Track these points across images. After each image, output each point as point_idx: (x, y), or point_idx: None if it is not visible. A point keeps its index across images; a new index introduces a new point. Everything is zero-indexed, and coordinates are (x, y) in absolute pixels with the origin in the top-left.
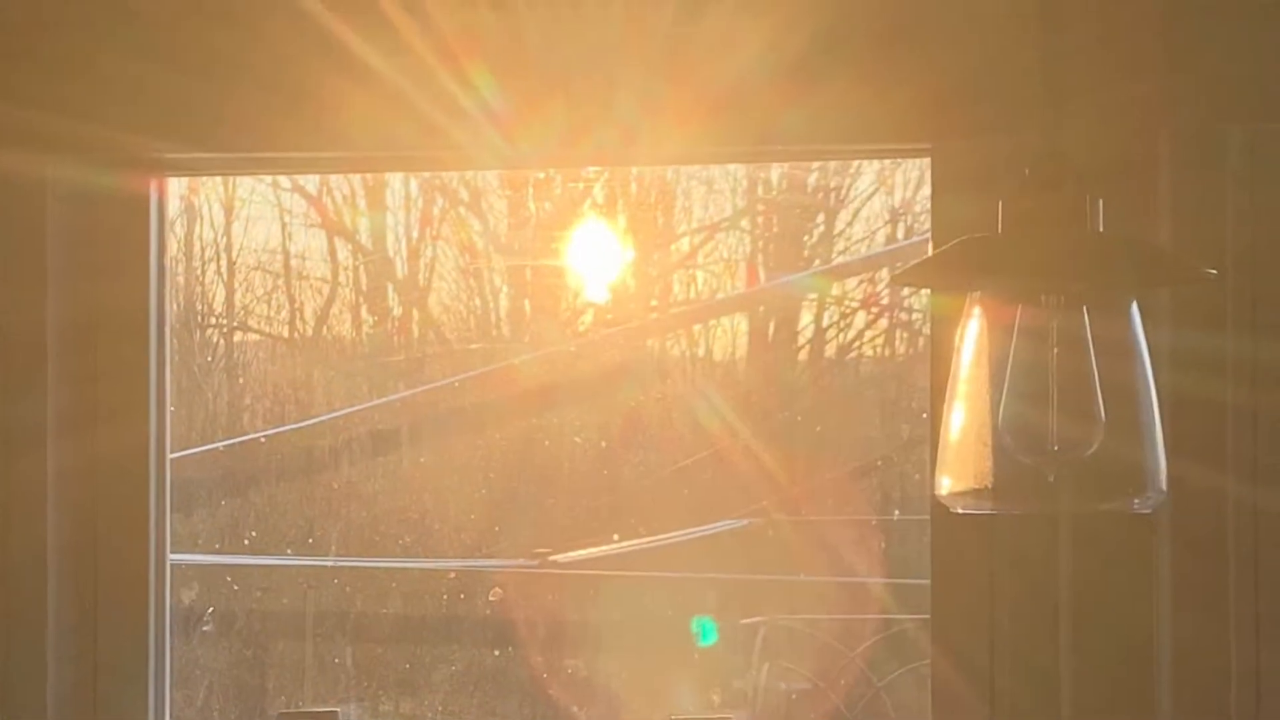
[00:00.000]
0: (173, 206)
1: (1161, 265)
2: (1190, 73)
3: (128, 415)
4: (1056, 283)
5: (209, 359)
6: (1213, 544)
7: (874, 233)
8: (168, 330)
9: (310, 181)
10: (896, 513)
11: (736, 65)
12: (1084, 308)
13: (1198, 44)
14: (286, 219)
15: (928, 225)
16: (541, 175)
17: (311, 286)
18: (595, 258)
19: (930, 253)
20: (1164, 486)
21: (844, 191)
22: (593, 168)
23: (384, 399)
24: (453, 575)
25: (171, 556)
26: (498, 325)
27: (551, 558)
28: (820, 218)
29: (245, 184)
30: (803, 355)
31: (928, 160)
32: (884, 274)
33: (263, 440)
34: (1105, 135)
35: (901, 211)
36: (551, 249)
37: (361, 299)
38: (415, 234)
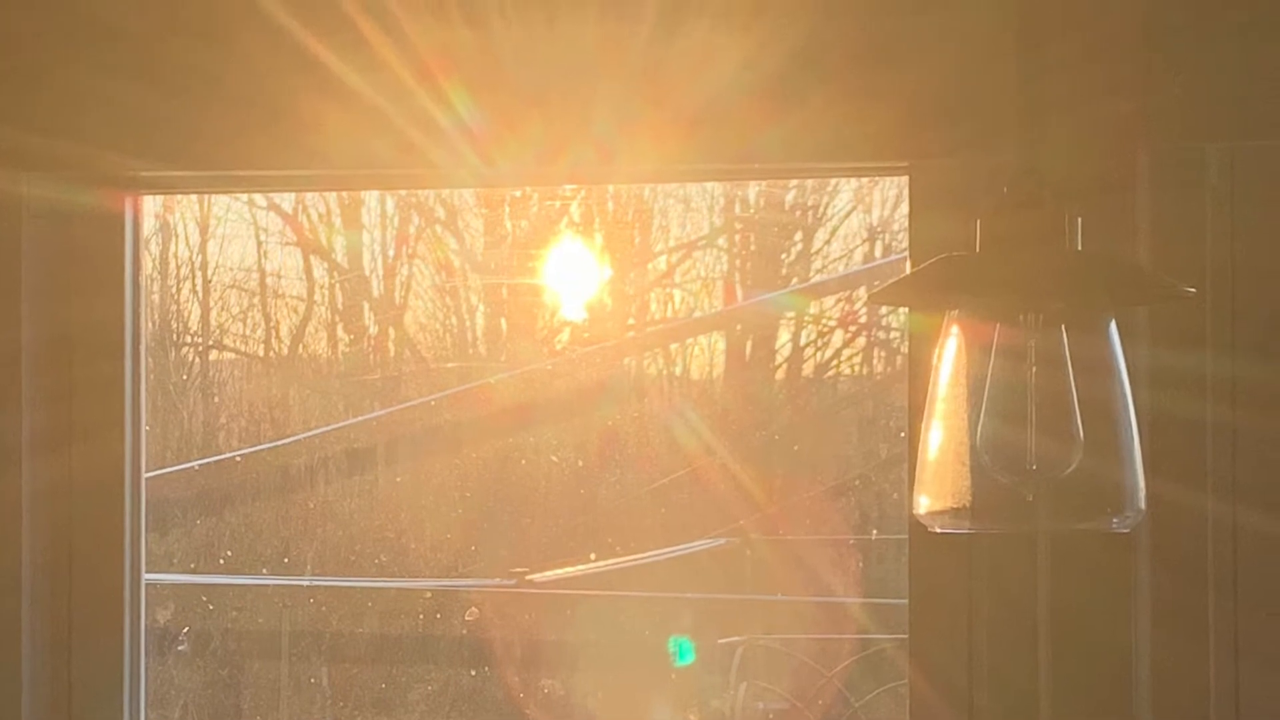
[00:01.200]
0: (148, 224)
1: (1140, 283)
2: (1169, 91)
3: (103, 434)
4: (1034, 301)
5: (184, 377)
6: (1192, 563)
7: (852, 251)
8: (143, 349)
9: (286, 200)
10: (874, 532)
11: (713, 83)
12: (1062, 326)
13: (1176, 62)
14: (262, 237)
15: (905, 243)
16: (518, 193)
17: (287, 305)
18: (572, 276)
19: (908, 271)
20: (1142, 505)
21: (821, 210)
22: (569, 186)
23: (360, 418)
24: (429, 595)
25: (147, 576)
26: (474, 344)
27: (528, 577)
28: (798, 236)
29: (220, 202)
30: (780, 374)
31: (906, 178)
32: (862, 292)
33: (238, 459)
34: (1084, 153)
35: (879, 230)
36: (528, 267)
37: (337, 317)
38: (391, 252)
